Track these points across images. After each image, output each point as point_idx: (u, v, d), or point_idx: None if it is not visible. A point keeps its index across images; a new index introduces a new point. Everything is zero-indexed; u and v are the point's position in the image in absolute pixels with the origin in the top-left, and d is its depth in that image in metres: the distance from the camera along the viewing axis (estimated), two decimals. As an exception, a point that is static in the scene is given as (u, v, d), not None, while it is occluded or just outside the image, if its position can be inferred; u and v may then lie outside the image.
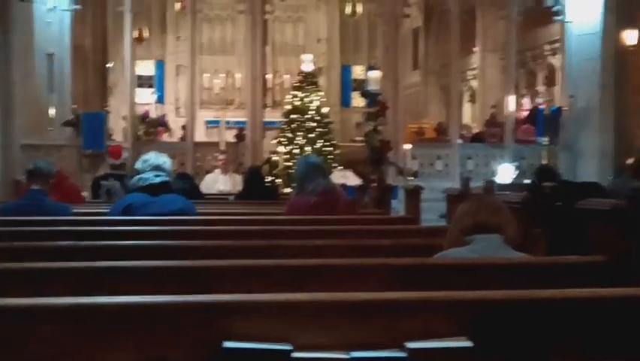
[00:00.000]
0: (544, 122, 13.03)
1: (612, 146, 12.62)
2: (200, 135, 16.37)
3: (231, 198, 8.88)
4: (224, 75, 18.33)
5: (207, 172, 12.83)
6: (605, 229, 2.92)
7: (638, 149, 9.35)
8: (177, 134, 16.55)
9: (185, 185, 7.29)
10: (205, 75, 18.10)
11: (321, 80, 17.72)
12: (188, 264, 2.80)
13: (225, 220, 4.72)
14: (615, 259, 2.83)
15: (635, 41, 12.87)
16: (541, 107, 14.72)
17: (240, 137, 14.83)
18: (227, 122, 15.76)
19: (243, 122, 15.04)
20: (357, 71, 18.47)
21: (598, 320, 2.09)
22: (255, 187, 7.85)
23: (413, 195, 6.56)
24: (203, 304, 1.88)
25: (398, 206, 8.76)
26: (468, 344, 1.80)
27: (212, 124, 17.24)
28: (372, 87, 8.39)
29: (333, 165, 13.52)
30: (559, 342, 2.03)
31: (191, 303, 1.88)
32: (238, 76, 17.38)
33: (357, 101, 17.39)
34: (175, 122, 17.35)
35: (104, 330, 1.83)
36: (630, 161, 9.64)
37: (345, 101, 18.54)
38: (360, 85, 9.66)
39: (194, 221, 4.48)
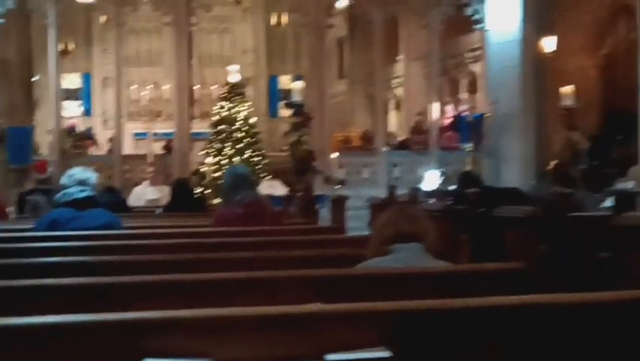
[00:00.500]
0: (468, 128, 13.32)
1: (533, 151, 12.98)
2: (128, 148, 16.12)
3: (159, 210, 8.78)
4: (151, 87, 18.11)
5: (136, 184, 12.65)
6: (522, 235, 3.00)
7: (557, 154, 9.64)
8: (105, 147, 16.27)
9: (112, 198, 7.20)
10: (132, 87, 17.85)
11: (249, 91, 17.68)
12: (108, 280, 2.74)
13: (151, 234, 4.67)
14: (532, 265, 2.90)
15: (553, 48, 13.29)
16: (464, 114, 15.04)
17: (167, 148, 14.68)
18: (155, 134, 15.59)
19: (171, 134, 14.89)
20: (284, 81, 18.51)
21: (516, 327, 2.14)
22: (183, 199, 7.79)
23: (338, 204, 6.61)
24: (121, 322, 1.85)
25: (327, 215, 8.81)
26: (387, 354, 1.82)
27: (140, 136, 17.02)
28: (296, 98, 8.43)
29: (262, 174, 13.50)
30: (478, 350, 2.07)
31: (108, 321, 1.85)
32: (165, 87, 17.19)
33: (285, 111, 17.43)
34: (102, 135, 17.06)
35: (18, 352, 1.78)
36: (550, 166, 9.97)
37: (272, 111, 18.55)
38: (288, 95, 9.68)
39: (119, 236, 4.44)
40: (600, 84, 14.68)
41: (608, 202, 5.54)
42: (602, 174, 11.97)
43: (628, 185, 6.26)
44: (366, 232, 6.43)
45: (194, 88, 16.37)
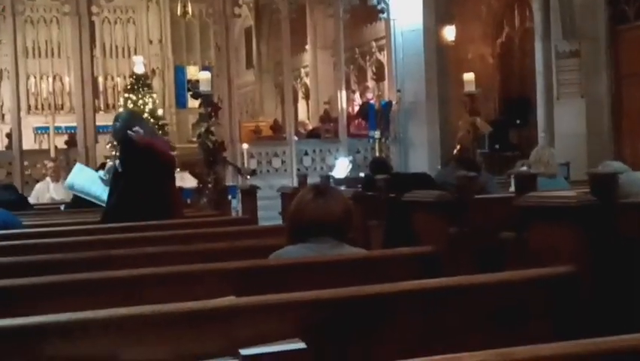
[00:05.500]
0: (375, 116, 13.48)
1: (438, 136, 13.29)
2: (29, 143, 15.53)
3: (63, 207, 8.51)
4: (51, 79, 17.52)
5: (38, 181, 12.22)
6: (431, 220, 3.05)
7: (461, 139, 9.89)
8: (3, 142, 15.64)
9: (11, 197, 6.90)
10: (31, 80, 17.22)
11: (155, 82, 17.37)
12: (6, 283, 2.57)
13: (53, 232, 4.50)
14: (442, 249, 2.95)
15: (453, 37, 13.61)
16: (371, 102, 15.22)
17: (71, 142, 14.23)
18: (58, 128, 15.08)
19: (74, 127, 14.44)
20: (192, 72, 18.24)
21: (428, 310, 2.18)
22: (88, 195, 7.55)
23: (249, 195, 6.56)
24: (21, 328, 1.77)
25: (239, 206, 8.75)
26: (301, 345, 1.82)
27: (41, 130, 16.43)
28: (203, 88, 8.30)
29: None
30: (393, 335, 2.09)
31: (6, 328, 1.76)
32: (67, 79, 16.66)
33: (193, 101, 17.20)
34: (0, 130, 16.39)
35: None
36: (455, 151, 10.22)
37: (180, 102, 18.26)
38: (195, 85, 9.55)
39: (17, 235, 4.26)
40: (499, 71, 15.15)
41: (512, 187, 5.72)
42: (502, 157, 12.41)
43: (524, 167, 6.48)
44: (278, 222, 6.44)
45: (98, 80, 15.92)
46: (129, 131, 4.87)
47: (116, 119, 5.30)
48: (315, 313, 2.02)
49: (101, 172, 5.30)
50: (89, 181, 5.39)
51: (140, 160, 4.84)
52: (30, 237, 4.23)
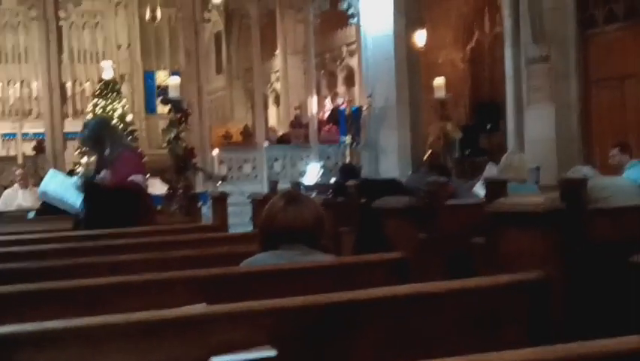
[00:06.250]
0: (346, 121, 13.51)
1: (409, 142, 13.34)
2: (-5, 149, 15.35)
3: (31, 214, 8.40)
4: (18, 85, 17.29)
5: (5, 188, 12.06)
6: (401, 226, 3.05)
7: (431, 144, 9.95)
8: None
9: (-22, 204, 6.79)
10: (-2, 85, 16.99)
11: (124, 87, 17.22)
12: None
13: (20, 240, 4.43)
14: (412, 255, 2.95)
15: (424, 42, 13.69)
16: (342, 107, 15.24)
17: (39, 149, 14.07)
18: (25, 135, 14.89)
19: (42, 134, 14.28)
20: (162, 77, 18.13)
21: (400, 316, 2.17)
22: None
23: (220, 201, 6.53)
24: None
25: (209, 212, 8.70)
26: (272, 353, 1.81)
27: (8, 137, 16.20)
28: (172, 94, 8.26)
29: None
30: (365, 342, 2.09)
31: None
32: (35, 85, 16.46)
33: (163, 107, 17.08)
34: (-34, 137, 16.15)
35: None
36: (426, 156, 10.27)
37: (150, 108, 18.11)
38: (165, 91, 9.53)
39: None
40: (469, 76, 15.29)
41: (480, 189, 5.76)
42: (473, 162, 12.50)
43: (494, 171, 6.53)
44: (248, 229, 6.42)
45: (66, 85, 15.74)
46: (96, 179, 4.88)
47: (84, 127, 5.26)
48: (287, 321, 2.01)
49: (75, 178, 5.25)
50: (62, 187, 5.33)
51: (109, 204, 4.81)
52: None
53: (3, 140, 16.42)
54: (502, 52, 11.05)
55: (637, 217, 3.42)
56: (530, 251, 2.35)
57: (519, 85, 10.47)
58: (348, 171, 7.40)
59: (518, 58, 10.44)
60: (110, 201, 4.77)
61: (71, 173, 13.29)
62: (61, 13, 13.54)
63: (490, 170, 6.98)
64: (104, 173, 4.91)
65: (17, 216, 8.87)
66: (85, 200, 4.90)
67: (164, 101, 8.51)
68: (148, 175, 12.10)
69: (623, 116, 9.88)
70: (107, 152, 4.95)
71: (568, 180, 3.02)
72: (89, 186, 4.85)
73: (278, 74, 17.43)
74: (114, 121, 14.48)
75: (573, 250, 2.42)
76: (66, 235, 4.71)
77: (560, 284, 2.38)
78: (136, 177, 4.77)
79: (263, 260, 2.89)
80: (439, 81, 10.06)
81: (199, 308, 2.18)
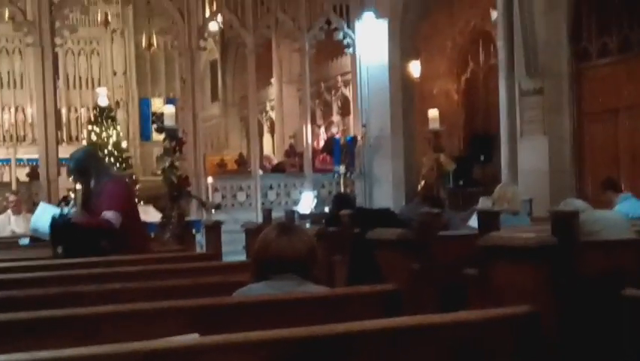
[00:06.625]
0: (341, 151, 13.55)
1: (403, 172, 13.39)
2: (-12, 175, 15.34)
3: (25, 240, 8.36)
4: (13, 110, 17.34)
5: (-2, 214, 12.02)
6: (394, 257, 3.06)
7: (425, 175, 9.98)
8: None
9: (-30, 230, 6.77)
10: (-9, 111, 17.06)
11: (120, 114, 17.29)
12: None
13: (13, 268, 4.42)
14: (405, 286, 2.96)
15: (418, 73, 13.81)
16: (336, 136, 15.30)
17: (33, 175, 14.04)
18: (20, 160, 14.88)
19: (37, 160, 14.26)
20: (157, 104, 18.21)
21: (391, 348, 2.17)
22: (49, 228, 7.42)
23: (213, 230, 6.53)
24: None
25: (203, 240, 8.69)
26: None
27: (1, 162, 16.22)
28: (169, 121, 8.29)
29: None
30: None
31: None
32: (30, 110, 16.50)
33: (158, 134, 17.14)
34: (-41, 162, 16.15)
35: None
36: (420, 187, 10.30)
37: (145, 135, 18.18)
38: (160, 118, 9.54)
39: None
40: (463, 107, 15.39)
41: (473, 220, 5.77)
42: (466, 193, 12.54)
43: (488, 203, 6.55)
44: (242, 257, 6.41)
45: (61, 111, 15.79)
46: (72, 218, 4.90)
47: (71, 157, 5.30)
48: (279, 353, 2.01)
49: (66, 209, 5.26)
50: None
51: (78, 241, 4.82)
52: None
53: (-4, 165, 16.43)
54: (497, 83, 11.14)
55: (628, 251, 3.43)
56: (521, 285, 2.36)
57: (513, 116, 10.53)
58: (342, 200, 7.39)
59: (512, 90, 10.52)
60: (79, 238, 4.78)
61: (64, 200, 13.25)
62: (58, 40, 13.56)
63: (484, 203, 7.00)
64: (75, 211, 4.95)
65: (9, 242, 8.82)
66: (54, 236, 4.90)
67: (159, 130, 8.54)
68: (141, 202, 12.08)
69: (615, 150, 9.94)
70: (92, 183, 4.98)
71: (560, 212, 3.04)
72: (59, 224, 4.86)
73: (273, 102, 17.51)
74: (109, 147, 14.53)
75: (564, 284, 2.43)
76: (56, 262, 4.69)
77: (551, 318, 2.38)
78: (107, 214, 4.77)
79: (255, 290, 2.89)
80: (434, 113, 10.12)
81: (191, 339, 2.17)
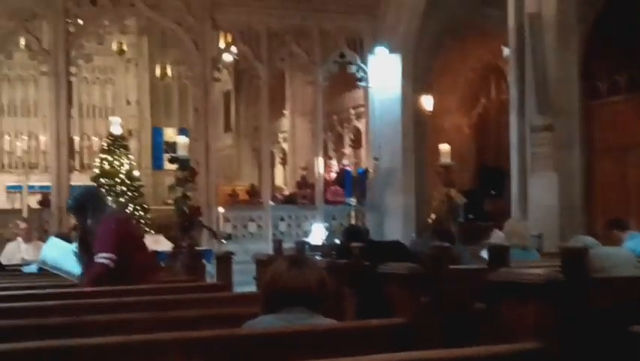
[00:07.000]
0: (352, 183, 13.58)
1: (414, 205, 13.39)
2: (1, 201, 15.42)
3: (32, 267, 8.37)
4: (26, 138, 17.49)
5: (9, 240, 12.06)
6: (404, 291, 3.06)
7: (435, 208, 9.98)
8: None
9: (-19, 257, 6.80)
10: (6, 138, 17.19)
11: (132, 143, 17.40)
12: None
13: (22, 296, 4.42)
14: (414, 320, 2.95)
15: (430, 107, 13.87)
16: (348, 168, 15.34)
17: (44, 202, 14.11)
18: (31, 187, 14.96)
19: (48, 187, 14.35)
20: (169, 134, 18.34)
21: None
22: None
23: (224, 261, 6.54)
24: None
25: (214, 270, 8.69)
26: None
27: (13, 189, 16.30)
28: (181, 152, 8.35)
29: (146, 229, 13.21)
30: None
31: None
32: (43, 138, 16.64)
33: (170, 163, 17.24)
34: (-28, 189, 16.27)
35: None
36: (430, 220, 10.29)
37: (157, 164, 18.28)
38: (172, 147, 9.62)
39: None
40: (474, 142, 15.41)
41: (484, 254, 5.76)
42: (476, 227, 12.50)
43: (498, 238, 6.54)
44: (252, 288, 6.40)
45: (74, 139, 15.91)
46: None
47: (70, 195, 5.40)
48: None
49: (74, 245, 5.32)
50: (61, 256, 5.44)
51: None
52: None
53: (8, 192, 16.51)
54: (508, 118, 11.16)
55: (638, 287, 3.42)
56: (530, 321, 2.36)
57: (523, 152, 10.52)
58: (353, 232, 7.39)
59: (523, 126, 10.53)
60: None
61: (75, 228, 13.28)
62: (73, 69, 13.72)
63: (497, 236, 7.00)
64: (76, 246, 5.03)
65: (20, 270, 8.85)
66: None
67: (172, 161, 8.60)
68: (152, 232, 12.08)
69: (625, 187, 9.92)
70: (88, 221, 5.06)
71: (569, 248, 3.04)
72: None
73: (285, 134, 17.60)
74: (121, 176, 14.60)
75: (573, 321, 2.43)
76: (65, 291, 4.70)
77: (560, 354, 2.38)
78: (99, 257, 4.84)
79: (265, 323, 2.88)
80: (445, 147, 10.15)
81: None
